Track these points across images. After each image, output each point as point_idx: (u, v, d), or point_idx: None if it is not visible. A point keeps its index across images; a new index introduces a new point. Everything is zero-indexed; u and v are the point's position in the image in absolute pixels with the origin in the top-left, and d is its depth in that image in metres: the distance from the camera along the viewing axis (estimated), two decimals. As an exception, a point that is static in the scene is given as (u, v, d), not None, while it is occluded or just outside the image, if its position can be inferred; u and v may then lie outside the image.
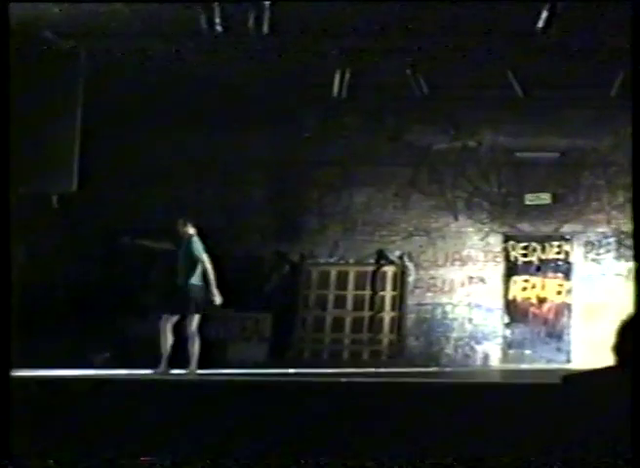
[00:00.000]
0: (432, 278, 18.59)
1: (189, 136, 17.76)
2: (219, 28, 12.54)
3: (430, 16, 12.85)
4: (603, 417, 4.37)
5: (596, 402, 4.50)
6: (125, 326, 17.14)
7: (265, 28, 12.48)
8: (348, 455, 4.38)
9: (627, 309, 17.40)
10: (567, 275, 18.99)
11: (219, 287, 14.37)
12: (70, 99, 13.71)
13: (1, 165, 4.71)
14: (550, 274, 19.06)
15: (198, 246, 14.39)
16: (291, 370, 14.79)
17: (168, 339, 14.21)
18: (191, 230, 14.51)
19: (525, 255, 19.03)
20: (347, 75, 15.06)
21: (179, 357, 14.21)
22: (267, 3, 12.17)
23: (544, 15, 12.44)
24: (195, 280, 14.29)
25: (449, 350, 18.41)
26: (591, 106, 17.23)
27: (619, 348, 4.72)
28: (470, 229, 18.53)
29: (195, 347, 14.20)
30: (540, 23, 12.58)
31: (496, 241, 18.61)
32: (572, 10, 12.41)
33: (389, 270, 18.66)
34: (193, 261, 14.32)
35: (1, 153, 4.74)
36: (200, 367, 14.29)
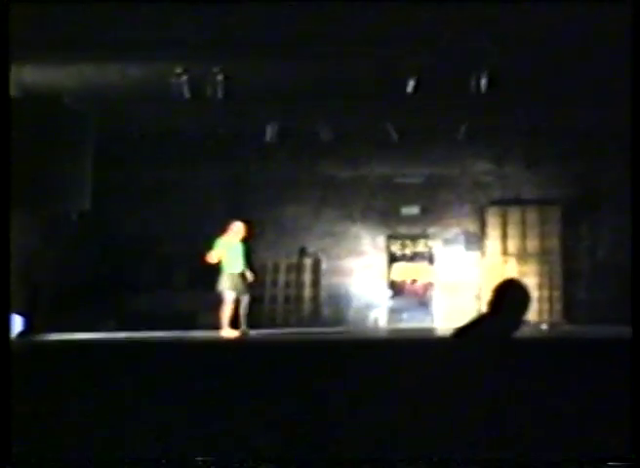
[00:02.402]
0: (338, 266, 18.63)
1: (167, 169, 17.70)
2: (187, 94, 12.48)
3: (339, 81, 12.85)
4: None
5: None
6: (125, 302, 17.15)
7: (220, 94, 12.43)
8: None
9: (474, 285, 17.54)
10: (431, 262, 19.13)
11: (195, 278, 14.42)
12: (84, 145, 13.64)
13: (1, 170, 4.48)
14: (419, 261, 19.24)
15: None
16: (237, 332, 14.67)
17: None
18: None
19: (401, 249, 19.16)
20: (277, 126, 15.07)
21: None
22: (221, 77, 12.19)
23: (412, 83, 12.45)
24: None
25: (350, 315, 18.47)
26: (445, 146, 17.32)
27: (493, 302, 5.02)
28: (364, 232, 18.57)
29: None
30: (409, 89, 12.55)
31: (381, 239, 18.68)
32: (432, 78, 12.38)
33: (308, 261, 18.67)
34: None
35: (2, 158, 4.49)
36: (179, 328, 14.37)
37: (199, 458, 3.77)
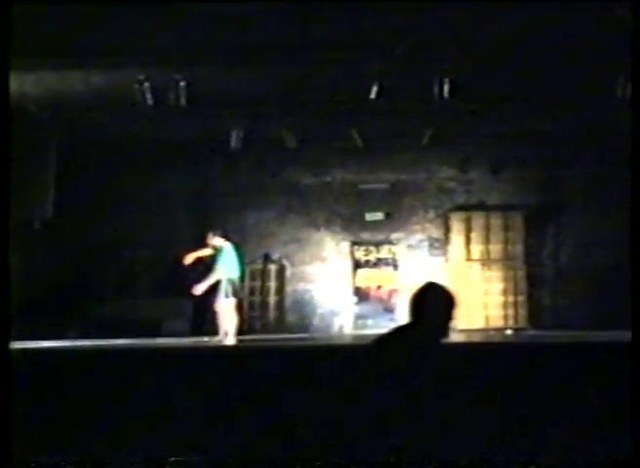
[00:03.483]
0: (302, 272, 18.68)
1: (131, 176, 17.67)
2: (150, 101, 12.46)
3: (303, 87, 12.88)
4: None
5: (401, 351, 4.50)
6: (89, 310, 17.05)
7: (183, 101, 12.42)
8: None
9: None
10: (395, 268, 19.22)
11: (160, 285, 14.24)
12: (47, 153, 13.63)
13: (2, 176, 4.45)
14: (384, 268, 19.30)
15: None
16: (205, 338, 14.71)
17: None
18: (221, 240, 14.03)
19: (366, 255, 19.23)
20: (241, 133, 15.06)
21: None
22: (183, 83, 12.20)
23: (375, 88, 12.48)
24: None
25: (315, 322, 18.51)
26: (410, 152, 17.40)
27: (412, 308, 4.68)
28: (328, 238, 18.63)
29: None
30: (373, 94, 12.57)
31: (345, 246, 18.73)
32: (395, 84, 12.43)
33: (273, 267, 18.70)
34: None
35: (2, 163, 4.47)
36: (143, 336, 14.29)
37: (172, 459, 3.83)
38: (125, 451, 3.98)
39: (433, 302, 4.69)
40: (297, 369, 4.37)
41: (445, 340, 4.70)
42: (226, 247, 13.91)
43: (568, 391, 4.09)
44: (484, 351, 5.08)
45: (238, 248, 14.20)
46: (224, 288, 13.66)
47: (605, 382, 4.06)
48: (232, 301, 13.74)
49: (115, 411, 4.16)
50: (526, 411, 4.10)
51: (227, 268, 13.75)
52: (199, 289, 13.68)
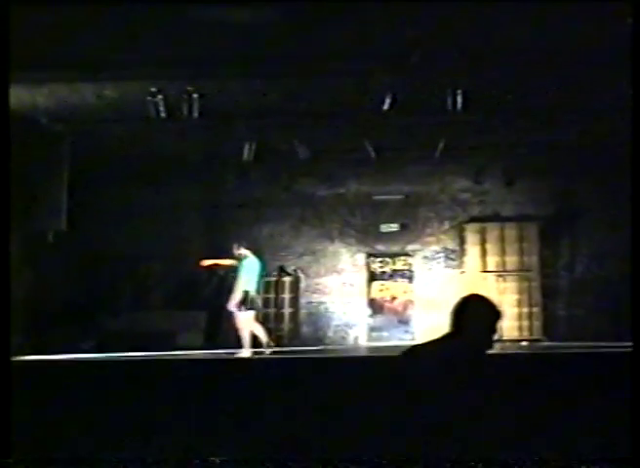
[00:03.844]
0: (317, 284, 18.70)
1: (144, 188, 17.68)
2: (163, 114, 12.49)
3: (316, 98, 12.91)
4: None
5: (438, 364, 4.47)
6: (102, 323, 17.06)
7: (196, 113, 12.45)
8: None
9: (454, 302, 17.54)
10: (410, 280, 19.17)
11: (173, 297, 14.18)
12: (60, 165, 13.67)
13: (2, 184, 4.41)
14: (399, 279, 19.25)
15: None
16: (220, 351, 14.57)
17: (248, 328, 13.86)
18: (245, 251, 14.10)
19: (381, 267, 19.19)
20: (254, 145, 15.07)
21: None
22: (196, 96, 12.23)
23: (388, 100, 12.48)
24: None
25: (330, 334, 18.51)
26: (424, 163, 17.32)
27: (453, 320, 4.67)
28: (343, 250, 18.66)
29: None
30: (386, 106, 12.56)
31: (360, 257, 18.78)
32: (407, 95, 12.43)
33: (287, 280, 18.71)
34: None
35: (1, 170, 4.43)
36: (156, 350, 14.24)
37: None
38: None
39: (474, 313, 4.69)
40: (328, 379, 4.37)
41: (489, 351, 4.68)
42: (249, 259, 14.00)
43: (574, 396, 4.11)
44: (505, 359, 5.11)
45: (261, 260, 14.23)
46: (243, 299, 13.76)
47: (610, 389, 4.07)
48: (250, 314, 13.84)
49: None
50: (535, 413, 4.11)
51: (247, 280, 13.83)
52: (231, 305, 13.81)
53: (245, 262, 13.99)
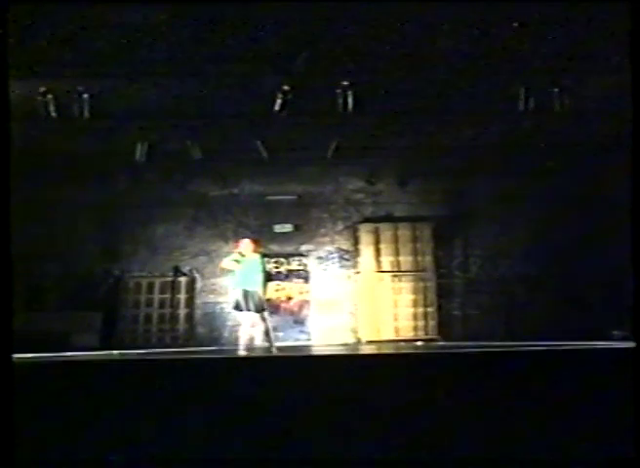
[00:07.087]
0: (212, 285, 18.82)
1: (36, 188, 17.43)
2: (53, 114, 12.48)
3: (208, 99, 13.06)
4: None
5: None
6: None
7: (87, 114, 12.46)
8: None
9: (349, 302, 17.60)
10: (306, 280, 19.34)
11: (68, 298, 14.02)
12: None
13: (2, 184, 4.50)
14: (294, 280, 19.41)
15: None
16: (114, 352, 14.53)
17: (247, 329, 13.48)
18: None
19: (276, 267, 19.32)
20: (146, 145, 15.05)
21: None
22: (86, 96, 12.27)
23: (279, 101, 12.59)
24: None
25: (226, 334, 18.61)
26: (317, 164, 17.57)
27: None
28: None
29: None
30: (277, 107, 12.67)
31: (254, 258, 18.91)
32: (298, 96, 12.56)
33: (183, 280, 18.82)
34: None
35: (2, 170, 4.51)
36: (51, 351, 14.19)
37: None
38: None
39: None
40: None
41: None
42: (251, 258, 13.79)
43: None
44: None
45: (263, 260, 14.04)
46: (238, 299, 13.52)
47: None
48: (248, 315, 13.55)
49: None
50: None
51: (245, 279, 13.57)
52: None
53: (244, 260, 13.74)
